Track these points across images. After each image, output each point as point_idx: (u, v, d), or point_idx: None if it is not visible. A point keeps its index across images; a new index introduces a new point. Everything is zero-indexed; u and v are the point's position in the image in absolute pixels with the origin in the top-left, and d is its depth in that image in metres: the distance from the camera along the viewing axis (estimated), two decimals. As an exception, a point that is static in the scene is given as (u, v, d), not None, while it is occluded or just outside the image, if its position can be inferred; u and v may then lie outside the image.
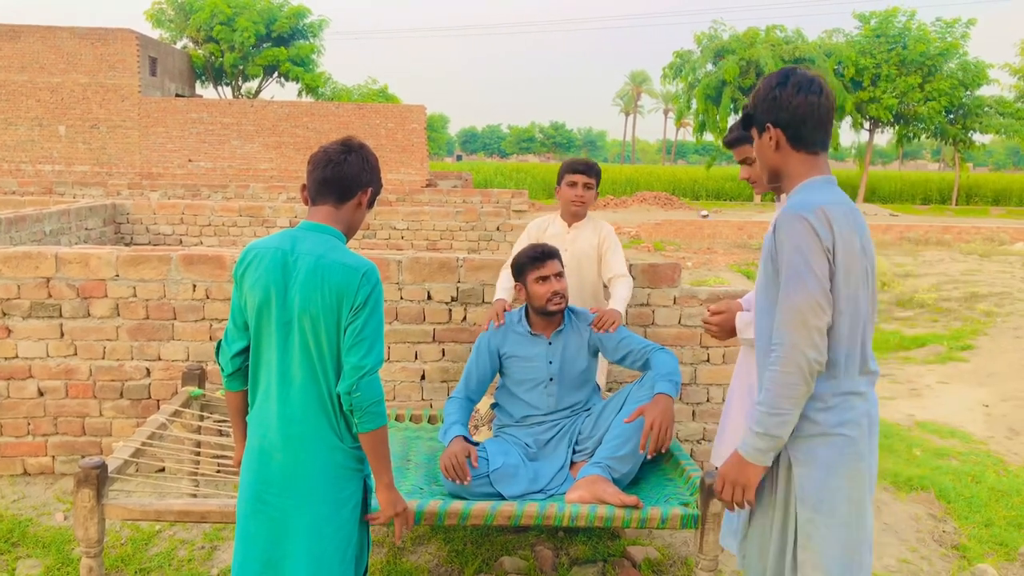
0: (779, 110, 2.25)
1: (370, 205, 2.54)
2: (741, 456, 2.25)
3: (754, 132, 2.37)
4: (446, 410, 3.55)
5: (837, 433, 2.20)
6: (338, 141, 2.48)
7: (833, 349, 2.17)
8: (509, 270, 3.76)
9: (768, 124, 2.28)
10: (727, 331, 3.04)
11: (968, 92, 37.01)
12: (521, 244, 4.05)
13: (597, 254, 4.08)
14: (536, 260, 3.54)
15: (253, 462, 2.41)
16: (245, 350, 2.47)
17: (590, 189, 4.08)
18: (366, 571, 2.58)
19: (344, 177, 2.42)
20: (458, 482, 3.22)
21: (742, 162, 3.16)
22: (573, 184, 4.07)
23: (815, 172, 2.27)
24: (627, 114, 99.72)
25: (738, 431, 2.91)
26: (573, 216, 4.12)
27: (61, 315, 4.41)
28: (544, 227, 4.20)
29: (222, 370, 2.52)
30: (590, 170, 4.09)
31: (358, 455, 2.44)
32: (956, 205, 43.08)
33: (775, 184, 2.40)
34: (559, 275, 3.53)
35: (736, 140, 3.14)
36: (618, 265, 4.03)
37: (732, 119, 35.86)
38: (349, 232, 2.49)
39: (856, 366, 2.22)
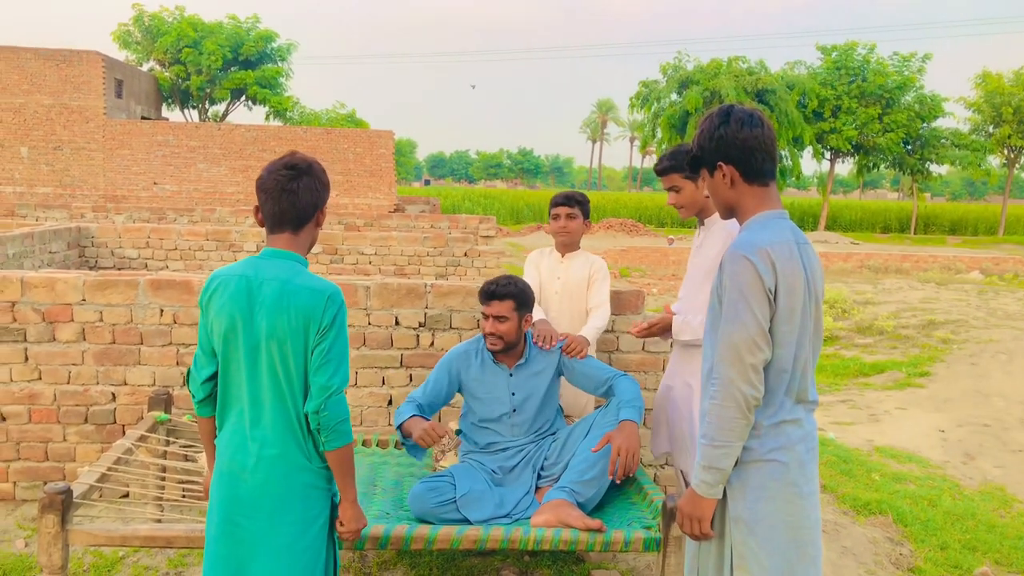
0: (728, 147, 2.33)
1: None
2: (694, 491, 2.32)
3: (704, 172, 2.43)
4: (398, 412, 3.52)
5: (770, 459, 2.27)
6: (284, 162, 2.44)
7: (773, 381, 2.25)
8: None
9: (719, 163, 2.35)
10: (665, 332, 3.50)
11: (925, 124, 38.00)
12: (527, 276, 4.15)
13: (587, 284, 4.17)
14: (484, 296, 3.62)
15: (223, 484, 2.45)
16: (214, 376, 2.51)
17: (573, 219, 4.15)
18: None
19: (300, 207, 2.45)
20: (434, 440, 3.28)
21: (670, 189, 3.44)
22: (556, 217, 4.18)
23: (766, 205, 2.35)
24: (594, 141, 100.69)
25: (661, 416, 3.50)
26: (564, 247, 4.21)
27: (26, 339, 4.38)
28: (540, 258, 4.30)
29: (193, 397, 2.56)
30: (569, 200, 4.18)
31: (326, 475, 2.49)
32: (915, 234, 44.01)
33: (728, 217, 2.49)
34: (500, 319, 3.56)
35: (666, 169, 3.41)
36: (599, 295, 4.14)
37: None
38: (309, 248, 2.55)
39: (794, 396, 2.30)
